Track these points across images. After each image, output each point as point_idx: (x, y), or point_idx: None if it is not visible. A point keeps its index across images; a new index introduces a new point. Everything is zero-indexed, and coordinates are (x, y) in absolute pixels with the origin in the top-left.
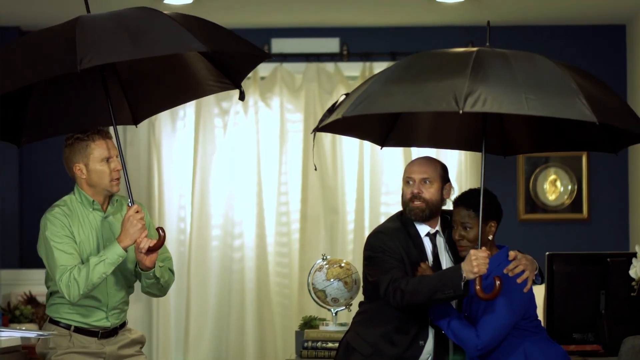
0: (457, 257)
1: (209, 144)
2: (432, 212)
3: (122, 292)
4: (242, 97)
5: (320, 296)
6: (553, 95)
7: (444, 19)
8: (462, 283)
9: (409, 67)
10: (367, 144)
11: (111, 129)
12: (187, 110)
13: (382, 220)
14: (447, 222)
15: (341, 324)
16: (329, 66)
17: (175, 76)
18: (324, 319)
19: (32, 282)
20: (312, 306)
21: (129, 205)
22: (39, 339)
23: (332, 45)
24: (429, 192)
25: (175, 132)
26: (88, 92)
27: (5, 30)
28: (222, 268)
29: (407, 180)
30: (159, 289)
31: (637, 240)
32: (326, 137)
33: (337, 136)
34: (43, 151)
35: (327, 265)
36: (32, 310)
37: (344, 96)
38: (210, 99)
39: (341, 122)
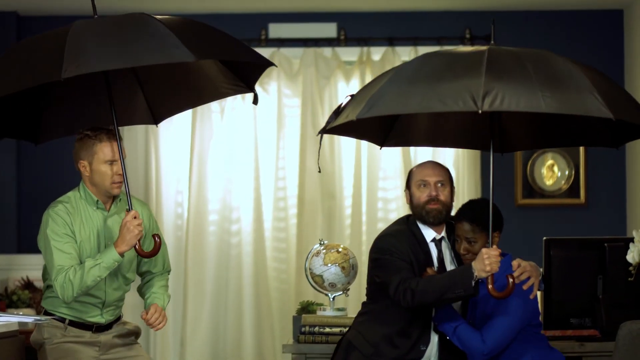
0: (461, 263)
1: (206, 128)
2: (446, 215)
3: (120, 291)
4: (255, 101)
5: (318, 281)
6: (568, 92)
7: (441, 4)
8: (473, 282)
9: (420, 68)
10: None
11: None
12: None
13: (380, 205)
14: (452, 227)
15: (339, 309)
16: (327, 51)
17: (191, 78)
18: (322, 304)
19: (30, 267)
20: (310, 291)
21: (127, 210)
22: (36, 325)
23: (329, 30)
24: (444, 195)
25: (173, 117)
26: (106, 92)
27: (3, 16)
28: (220, 253)
29: (420, 184)
30: None
31: (635, 225)
32: (323, 122)
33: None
34: None
35: (324, 250)
36: (29, 295)
37: (348, 97)
38: None
39: (344, 123)
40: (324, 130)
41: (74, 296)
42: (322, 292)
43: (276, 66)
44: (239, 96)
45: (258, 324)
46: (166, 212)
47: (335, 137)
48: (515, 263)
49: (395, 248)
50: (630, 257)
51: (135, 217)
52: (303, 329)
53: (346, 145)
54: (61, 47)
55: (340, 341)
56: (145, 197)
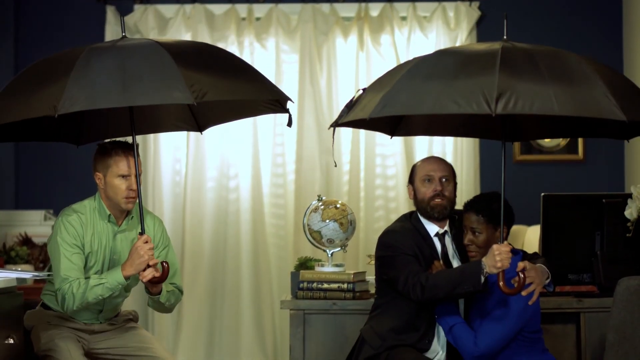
0: (464, 257)
1: None
2: (450, 210)
3: (120, 298)
4: (290, 124)
5: (316, 237)
6: (581, 94)
7: None
8: (483, 278)
9: (434, 66)
10: (362, 81)
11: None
12: None
13: (378, 161)
14: (454, 221)
15: (337, 265)
16: (325, 7)
17: None
18: (320, 260)
19: (28, 223)
20: (308, 247)
21: (139, 234)
22: (26, 311)
23: None
24: (448, 190)
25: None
26: None
27: None
28: (218, 209)
29: (425, 179)
30: (163, 309)
31: (633, 181)
32: (322, 78)
33: (333, 77)
34: None
35: (322, 207)
36: (27, 252)
37: (361, 91)
38: (205, 40)
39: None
40: (336, 124)
41: (74, 309)
42: (320, 248)
43: (292, 101)
44: (237, 52)
45: (256, 280)
46: (164, 170)
47: (334, 91)
48: (520, 265)
49: (399, 243)
50: (629, 213)
51: (146, 242)
52: (301, 285)
53: (344, 99)
54: (65, 76)
55: (358, 337)
56: (142, 154)
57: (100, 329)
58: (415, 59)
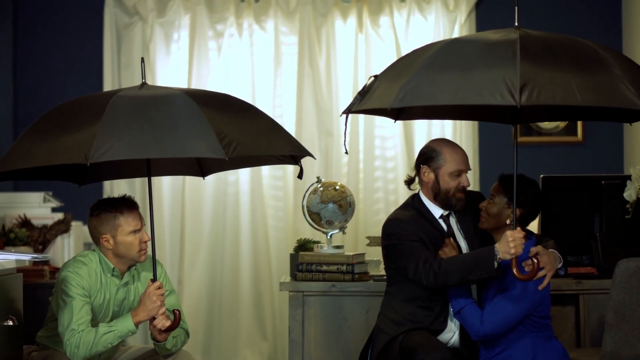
0: (469, 236)
1: (203, 67)
2: None
3: (120, 344)
4: (300, 176)
5: (315, 219)
6: (602, 83)
7: None
8: (496, 264)
9: (452, 55)
10: (361, 63)
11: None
12: (182, 33)
13: (377, 142)
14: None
15: (336, 247)
16: None
17: None
18: (319, 242)
19: (27, 205)
20: (307, 229)
21: (151, 280)
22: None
23: None
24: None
25: (170, 55)
26: None
27: None
28: (217, 191)
29: (459, 173)
30: (167, 351)
31: (632, 162)
32: (321, 59)
33: (332, 59)
34: (38, 68)
35: (321, 188)
36: (27, 234)
37: (372, 78)
38: (204, 22)
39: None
40: (349, 111)
41: (83, 357)
42: (320, 230)
43: (315, 158)
44: (236, 34)
45: (255, 261)
46: None
47: (333, 73)
48: (533, 250)
49: (404, 230)
50: (627, 194)
51: (159, 288)
52: (300, 267)
53: (343, 81)
54: (95, 125)
55: (372, 329)
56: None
57: None
58: (430, 46)
